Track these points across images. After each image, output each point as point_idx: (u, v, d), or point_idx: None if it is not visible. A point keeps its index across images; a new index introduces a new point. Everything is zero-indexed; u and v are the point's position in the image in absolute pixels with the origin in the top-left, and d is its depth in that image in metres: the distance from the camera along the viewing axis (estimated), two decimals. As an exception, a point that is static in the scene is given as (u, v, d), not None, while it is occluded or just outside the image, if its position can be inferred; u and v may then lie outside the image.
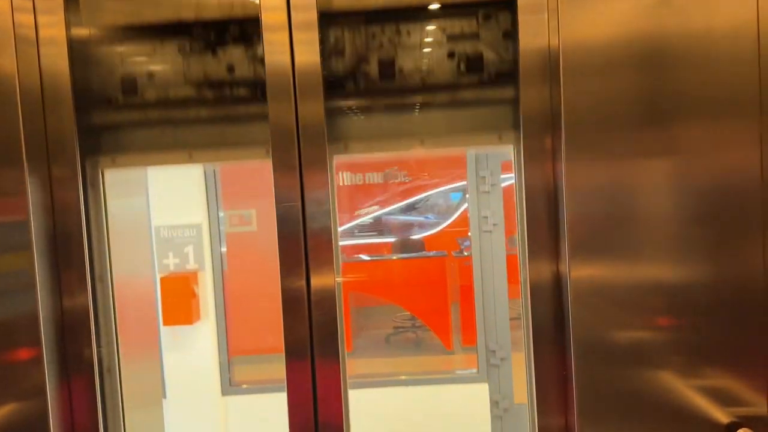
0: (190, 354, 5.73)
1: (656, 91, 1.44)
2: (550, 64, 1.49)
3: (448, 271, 7.09)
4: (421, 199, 8.42)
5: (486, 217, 5.69)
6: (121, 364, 1.61)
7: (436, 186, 8.35)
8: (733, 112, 1.43)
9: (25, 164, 1.47)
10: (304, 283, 1.57)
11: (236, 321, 6.18)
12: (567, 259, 1.44)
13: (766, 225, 1.42)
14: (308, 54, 1.54)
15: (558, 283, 1.52)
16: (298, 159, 1.56)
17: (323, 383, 1.58)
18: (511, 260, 5.61)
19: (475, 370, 6.03)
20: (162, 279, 5.55)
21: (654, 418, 1.44)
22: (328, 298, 1.57)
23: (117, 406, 1.59)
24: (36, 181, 1.50)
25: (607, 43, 1.43)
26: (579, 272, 1.44)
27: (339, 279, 1.59)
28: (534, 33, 1.50)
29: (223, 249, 6.01)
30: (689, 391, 1.43)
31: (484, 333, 5.66)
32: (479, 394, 5.74)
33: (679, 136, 1.44)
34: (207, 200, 5.79)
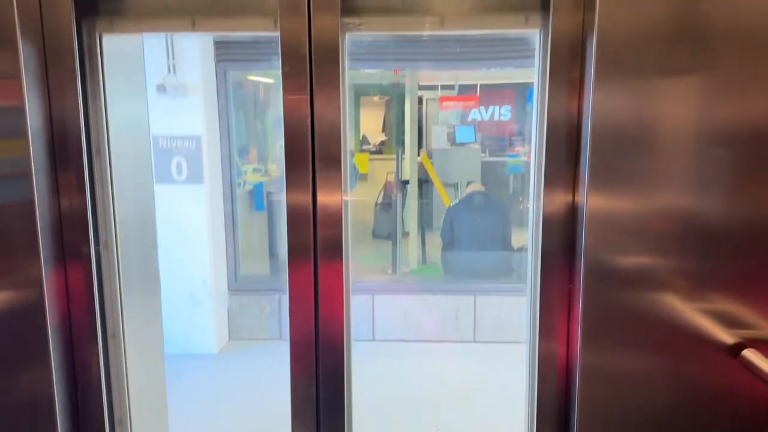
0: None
1: (692, 17, 1.35)
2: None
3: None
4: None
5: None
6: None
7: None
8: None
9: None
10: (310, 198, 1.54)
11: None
12: (585, 187, 1.40)
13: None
14: None
15: (572, 212, 1.49)
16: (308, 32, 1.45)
17: (325, 283, 1.58)
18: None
19: None
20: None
21: (659, 340, 1.44)
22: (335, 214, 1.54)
23: (115, 289, 1.61)
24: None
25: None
26: (595, 201, 1.40)
27: (346, 198, 1.54)
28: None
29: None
30: (696, 315, 1.42)
31: None
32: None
33: (710, 65, 1.36)
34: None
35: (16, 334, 1.44)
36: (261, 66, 6.60)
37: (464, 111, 9.15)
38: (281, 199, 8.15)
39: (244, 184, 6.98)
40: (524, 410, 1.67)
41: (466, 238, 6.92)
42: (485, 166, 8.39)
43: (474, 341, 6.34)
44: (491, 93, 9.15)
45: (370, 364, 5.67)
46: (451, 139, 8.70)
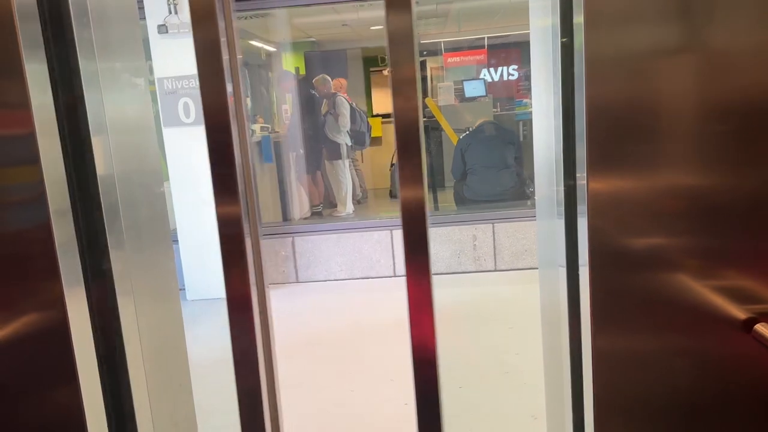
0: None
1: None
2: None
3: None
4: None
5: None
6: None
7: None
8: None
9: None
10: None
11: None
12: (586, 171, 1.38)
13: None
14: None
15: (574, 195, 1.48)
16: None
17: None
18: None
19: None
20: None
21: (670, 319, 1.44)
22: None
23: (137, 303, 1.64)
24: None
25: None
26: (597, 184, 1.38)
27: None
28: None
29: None
30: (707, 292, 1.42)
31: None
32: None
33: (710, 36, 1.33)
34: None
35: (41, 359, 1.47)
36: (261, 5, 6.50)
37: (472, 68, 9.15)
38: (288, 152, 8.28)
39: (253, 133, 6.99)
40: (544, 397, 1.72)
41: (478, 167, 6.90)
42: (496, 117, 8.44)
43: (495, 270, 6.41)
44: (498, 53, 9.18)
45: (395, 295, 5.81)
46: (460, 96, 8.66)
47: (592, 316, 1.44)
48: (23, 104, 1.36)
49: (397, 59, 1.43)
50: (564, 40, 1.47)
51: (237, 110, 1.52)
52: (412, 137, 1.46)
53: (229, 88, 1.47)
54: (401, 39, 1.43)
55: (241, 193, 1.54)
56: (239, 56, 1.52)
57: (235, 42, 1.50)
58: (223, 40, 1.46)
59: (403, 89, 1.44)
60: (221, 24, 1.45)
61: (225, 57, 1.46)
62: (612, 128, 1.36)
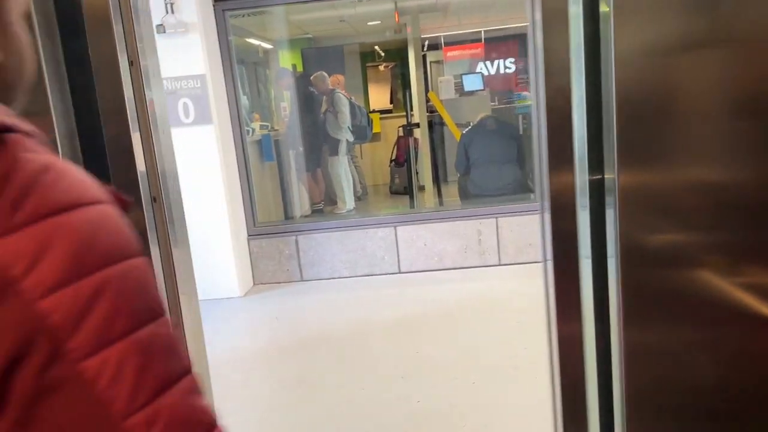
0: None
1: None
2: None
3: None
4: None
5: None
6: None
7: None
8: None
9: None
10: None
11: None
12: (615, 166, 1.34)
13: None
14: None
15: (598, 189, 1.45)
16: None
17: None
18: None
19: None
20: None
21: (701, 317, 1.40)
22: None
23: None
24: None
25: None
26: (627, 176, 1.34)
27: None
28: None
29: None
30: (740, 289, 1.37)
31: None
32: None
33: (737, 30, 1.27)
34: None
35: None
36: (258, 3, 6.49)
37: (471, 62, 9.23)
38: (288, 150, 8.30)
39: (253, 132, 6.99)
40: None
41: (481, 162, 6.92)
42: (495, 111, 8.51)
43: (499, 264, 6.42)
44: (495, 46, 9.28)
45: (400, 291, 5.82)
46: (459, 90, 8.71)
47: (623, 307, 1.40)
48: (44, 109, 1.33)
49: (551, 44, 1.42)
50: (588, 29, 1.44)
51: (140, 116, 1.50)
52: (564, 122, 1.44)
53: (129, 94, 1.45)
54: (555, 23, 1.42)
55: (145, 201, 1.51)
56: (143, 62, 1.49)
57: (136, 47, 1.48)
58: (121, 45, 1.44)
59: (555, 74, 1.43)
60: (118, 29, 1.43)
61: (123, 62, 1.44)
62: (642, 119, 1.32)
